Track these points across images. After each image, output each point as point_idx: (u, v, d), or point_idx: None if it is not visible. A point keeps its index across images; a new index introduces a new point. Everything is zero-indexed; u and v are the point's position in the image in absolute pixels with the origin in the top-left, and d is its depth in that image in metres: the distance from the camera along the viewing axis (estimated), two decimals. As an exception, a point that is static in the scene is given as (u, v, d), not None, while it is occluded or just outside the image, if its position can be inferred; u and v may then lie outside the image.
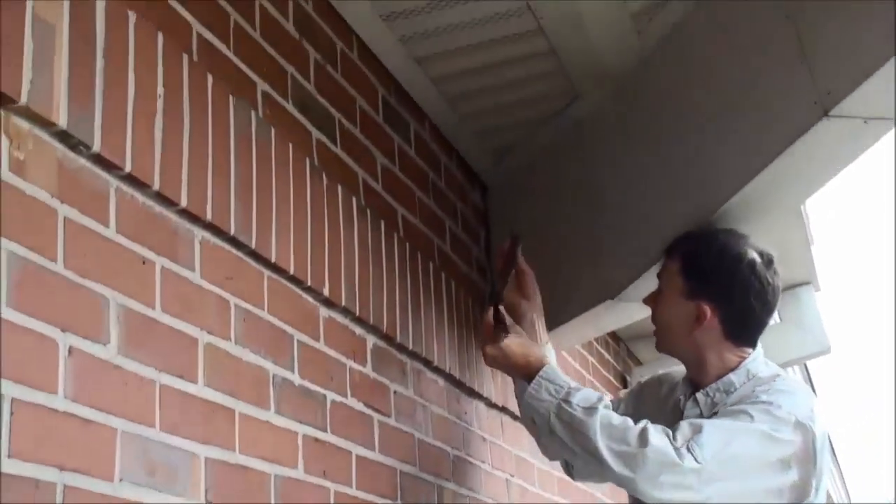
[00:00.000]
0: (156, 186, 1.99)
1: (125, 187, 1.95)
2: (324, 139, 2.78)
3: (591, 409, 2.92)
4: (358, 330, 2.80)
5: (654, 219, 3.32)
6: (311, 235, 2.55)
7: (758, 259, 3.02)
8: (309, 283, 2.51)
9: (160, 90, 2.05)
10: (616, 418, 2.91)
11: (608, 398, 3.04)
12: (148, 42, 2.03)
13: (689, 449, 2.81)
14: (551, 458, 3.25)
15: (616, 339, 5.52)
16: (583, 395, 2.97)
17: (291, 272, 2.44)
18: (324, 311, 2.63)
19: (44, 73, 1.74)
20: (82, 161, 1.85)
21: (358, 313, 2.74)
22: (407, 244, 3.13)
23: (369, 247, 2.88)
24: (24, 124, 1.72)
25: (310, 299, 2.57)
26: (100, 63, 1.89)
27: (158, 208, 2.04)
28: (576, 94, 3.64)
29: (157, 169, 2.01)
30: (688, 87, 3.29)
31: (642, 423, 2.89)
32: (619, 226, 3.50)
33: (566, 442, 2.95)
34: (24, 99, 1.69)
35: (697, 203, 3.18)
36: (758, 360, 3.06)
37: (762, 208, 3.15)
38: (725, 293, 3.02)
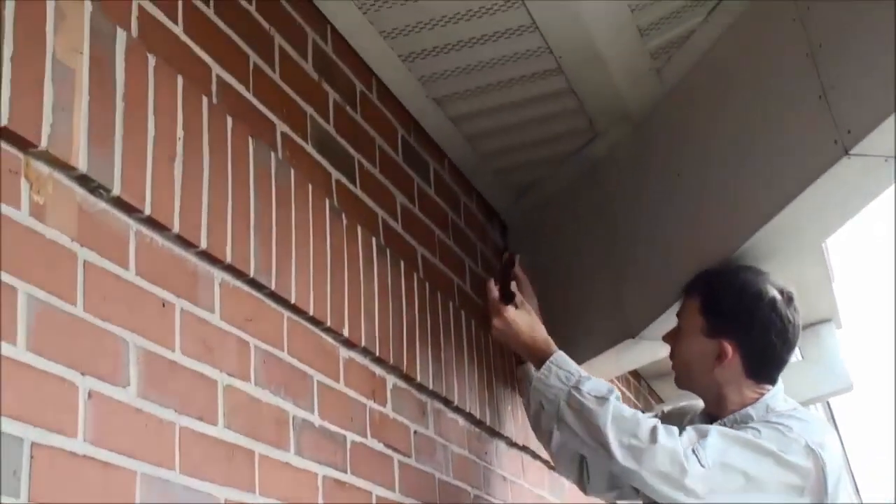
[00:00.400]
0: (175, 229, 2.00)
1: (145, 230, 1.96)
2: (343, 180, 2.79)
3: (602, 399, 2.95)
4: (378, 370, 2.79)
5: (674, 257, 3.32)
6: (330, 276, 2.55)
7: (778, 297, 3.02)
8: (329, 324, 2.51)
9: (180, 133, 2.05)
10: (627, 410, 2.94)
11: (618, 391, 3.05)
12: (168, 85, 2.04)
13: (693, 451, 2.85)
14: (556, 454, 3.23)
15: (637, 378, 5.50)
16: (594, 384, 3.00)
17: (311, 313, 2.44)
18: (344, 352, 2.62)
19: (64, 118, 1.75)
20: (102, 204, 1.85)
21: (378, 353, 2.74)
22: (427, 284, 3.13)
23: (389, 287, 2.87)
24: (44, 168, 1.73)
25: (329, 340, 2.56)
26: (119, 106, 1.89)
27: (178, 250, 2.04)
28: (595, 133, 3.64)
29: (176, 211, 2.01)
30: (707, 126, 3.28)
31: (653, 419, 2.91)
32: (638, 264, 3.49)
33: (575, 430, 2.97)
34: (44, 143, 1.70)
35: (718, 241, 3.17)
36: (777, 396, 3.06)
37: (783, 246, 3.14)
38: (746, 331, 3.02)
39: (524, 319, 3.21)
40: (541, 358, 3.13)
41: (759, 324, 3.02)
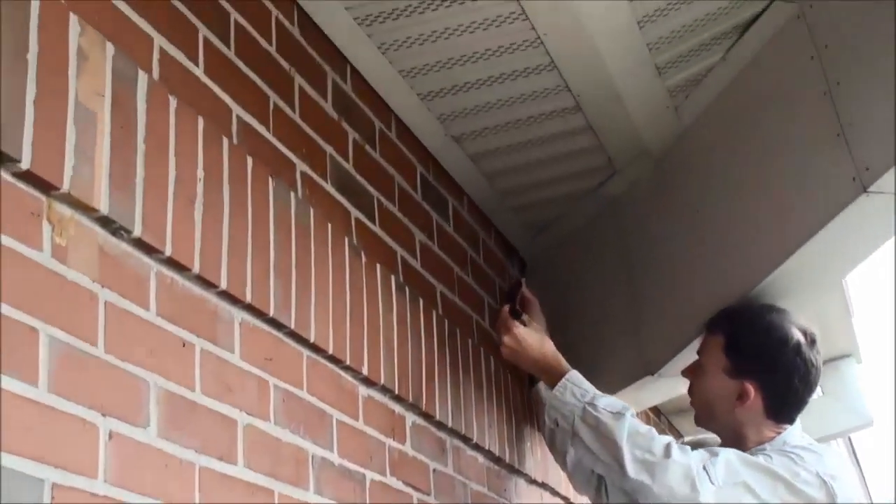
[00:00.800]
0: (196, 269, 2.00)
1: (165, 270, 1.96)
2: (362, 218, 2.79)
3: (618, 415, 2.98)
4: (397, 408, 2.79)
5: (693, 294, 3.31)
6: (349, 314, 2.56)
7: (802, 340, 3.03)
8: (348, 362, 2.51)
9: (200, 174, 2.06)
10: (643, 427, 2.98)
11: (633, 408, 3.08)
12: (188, 127, 2.05)
13: (705, 468, 2.88)
14: (572, 472, 3.24)
15: (657, 413, 5.48)
16: (609, 401, 3.04)
17: (330, 351, 2.44)
18: (363, 390, 2.62)
19: (85, 160, 1.76)
20: (123, 245, 1.86)
21: (397, 391, 2.74)
22: (446, 321, 3.13)
23: (408, 324, 2.88)
24: (65, 210, 1.74)
25: (349, 378, 2.56)
26: (141, 148, 1.90)
27: (198, 290, 2.05)
28: (613, 170, 3.64)
29: (197, 251, 2.01)
30: (725, 163, 3.29)
31: (668, 437, 2.93)
32: (657, 301, 3.49)
33: (589, 447, 3.00)
34: (66, 186, 1.71)
35: (736, 278, 3.17)
36: (794, 433, 3.06)
37: (802, 283, 3.14)
38: (770, 374, 3.03)
39: (533, 336, 3.25)
40: (553, 376, 3.17)
41: (783, 367, 3.02)
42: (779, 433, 3.04)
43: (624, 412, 3.00)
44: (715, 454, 2.93)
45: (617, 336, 3.63)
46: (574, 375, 3.16)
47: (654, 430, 3.00)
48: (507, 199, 3.73)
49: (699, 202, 3.37)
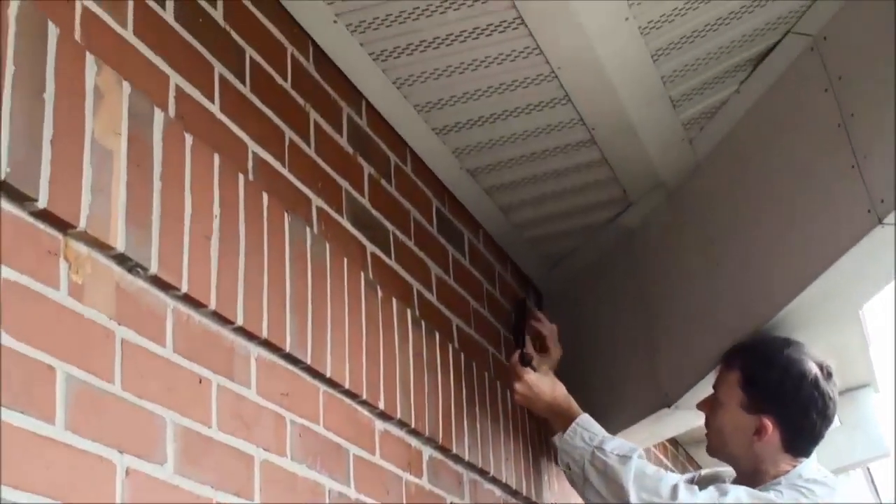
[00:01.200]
0: (212, 305, 2.00)
1: (182, 307, 1.96)
2: (378, 252, 2.79)
3: (625, 458, 2.99)
4: (413, 442, 2.78)
5: (710, 326, 3.31)
6: (366, 349, 2.55)
7: (819, 373, 3.02)
8: (364, 397, 2.51)
9: (216, 210, 2.07)
10: (650, 468, 2.98)
11: (641, 449, 3.08)
12: (204, 163, 2.06)
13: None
14: None
15: (675, 445, 5.46)
16: (617, 443, 3.04)
17: (346, 386, 2.44)
18: (379, 424, 2.62)
19: (102, 198, 1.76)
20: (140, 283, 1.86)
21: (413, 425, 2.73)
22: (462, 354, 3.12)
23: (424, 358, 2.87)
24: (82, 248, 1.74)
25: (365, 412, 2.56)
26: (157, 186, 1.91)
27: (215, 327, 2.05)
28: (628, 202, 3.64)
29: (213, 288, 2.01)
30: (740, 195, 3.29)
31: (675, 477, 2.93)
32: (674, 333, 3.48)
33: (599, 490, 3.01)
34: (82, 224, 1.71)
35: (752, 311, 3.17)
36: (810, 465, 3.06)
37: (819, 314, 3.13)
38: (787, 409, 3.02)
39: (544, 382, 3.27)
40: (565, 419, 3.19)
41: (801, 402, 3.02)
42: (794, 466, 3.04)
43: (631, 454, 3.00)
44: (725, 492, 2.93)
45: (633, 368, 3.62)
46: (584, 419, 3.17)
47: (662, 471, 3.00)
48: (523, 232, 3.73)
49: (715, 234, 3.36)
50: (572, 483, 3.19)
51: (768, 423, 3.03)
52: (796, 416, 3.03)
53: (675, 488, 2.92)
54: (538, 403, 3.26)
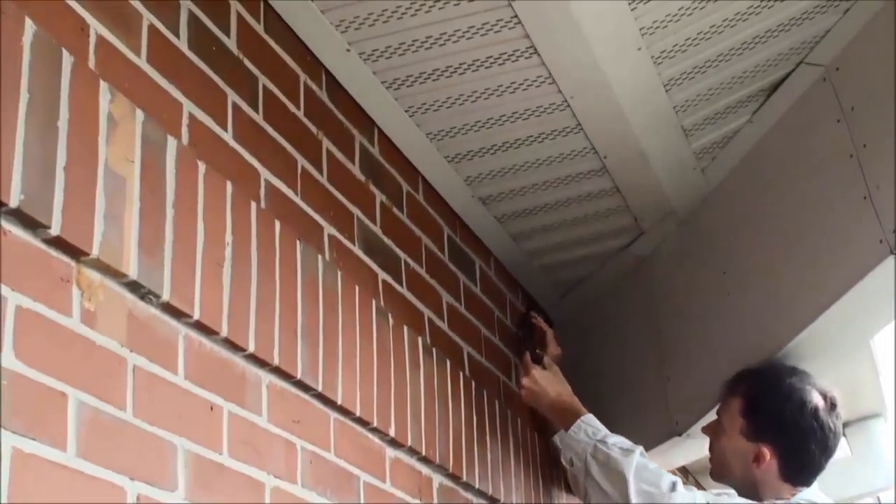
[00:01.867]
0: (224, 333, 2.00)
1: (194, 334, 1.96)
2: (389, 280, 2.79)
3: (628, 451, 3.04)
4: (424, 469, 2.77)
5: (721, 355, 3.30)
6: (377, 376, 2.55)
7: (821, 404, 3.02)
8: (375, 424, 2.50)
9: (229, 238, 2.07)
10: (651, 464, 3.04)
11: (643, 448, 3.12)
12: (217, 191, 2.06)
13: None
14: None
15: (685, 473, 5.44)
16: (620, 439, 3.10)
17: (357, 413, 2.43)
18: (390, 452, 2.61)
19: (115, 225, 1.77)
20: (152, 310, 1.86)
21: (424, 453, 2.72)
22: (473, 382, 3.12)
23: (435, 386, 2.87)
24: (95, 275, 1.74)
25: (376, 440, 2.55)
26: (169, 213, 1.91)
27: (226, 354, 2.05)
28: (640, 231, 3.64)
29: (225, 315, 2.01)
30: (752, 224, 3.28)
31: (675, 477, 2.98)
32: (685, 361, 3.48)
33: (599, 483, 3.04)
34: (95, 251, 1.71)
35: (764, 340, 3.16)
36: (809, 495, 3.05)
37: (829, 344, 3.12)
38: (786, 438, 3.02)
39: (551, 379, 3.33)
40: (569, 417, 3.23)
41: (799, 432, 3.02)
42: (794, 495, 3.04)
43: (633, 449, 3.05)
44: (719, 496, 3.00)
45: (645, 396, 3.61)
46: (589, 417, 3.22)
47: (662, 469, 3.04)
48: (535, 260, 3.73)
49: (726, 264, 3.36)
50: (573, 481, 3.20)
51: (766, 452, 3.04)
52: (795, 445, 3.03)
53: (674, 483, 2.96)
54: (543, 399, 3.31)
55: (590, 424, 3.17)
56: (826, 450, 3.06)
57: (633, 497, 2.94)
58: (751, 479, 3.07)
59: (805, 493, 3.05)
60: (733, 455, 3.12)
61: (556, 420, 3.33)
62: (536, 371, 3.32)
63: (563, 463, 3.21)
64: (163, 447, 1.83)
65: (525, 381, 3.32)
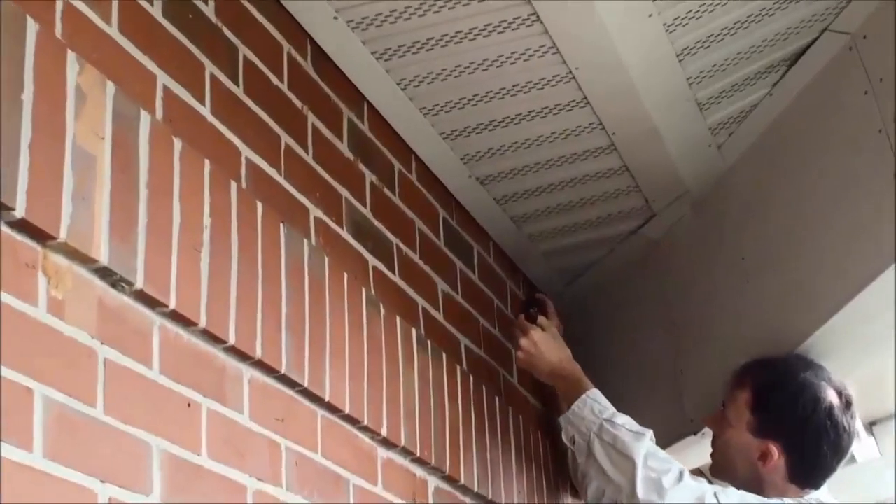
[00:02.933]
0: (202, 323, 2.00)
1: (169, 325, 1.97)
2: (381, 267, 2.80)
3: (638, 434, 3.02)
4: (419, 471, 2.78)
5: (739, 348, 3.30)
6: (367, 371, 2.55)
7: (836, 402, 3.02)
8: (365, 423, 2.51)
9: (207, 221, 2.07)
10: (661, 452, 3.04)
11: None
12: (194, 170, 2.06)
13: (716, 495, 2.92)
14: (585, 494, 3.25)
15: (699, 472, 5.45)
16: (628, 419, 3.04)
17: (346, 411, 2.44)
18: (382, 452, 2.62)
19: (84, 207, 1.77)
20: (124, 298, 1.87)
21: (418, 453, 2.73)
22: (471, 377, 3.13)
23: (430, 381, 2.87)
24: (62, 261, 1.74)
25: (366, 439, 2.56)
26: (143, 194, 1.91)
27: (205, 346, 2.05)
28: (651, 213, 3.64)
29: (203, 304, 2.02)
30: (772, 206, 3.28)
31: (683, 467, 2.99)
32: (699, 355, 3.49)
33: (602, 465, 3.02)
34: (63, 235, 1.71)
35: (784, 331, 3.17)
36: (818, 496, 3.06)
37: (852, 338, 3.13)
38: (797, 437, 3.03)
39: (550, 341, 3.31)
40: (572, 386, 3.21)
41: (812, 431, 3.02)
42: (801, 497, 3.04)
43: (644, 433, 3.03)
44: (726, 488, 3.02)
45: (656, 392, 3.62)
46: (595, 392, 3.18)
47: (671, 457, 3.04)
48: (537, 245, 3.74)
49: (744, 248, 3.36)
50: (572, 462, 3.19)
51: (774, 450, 3.04)
52: (805, 445, 3.04)
53: (682, 472, 2.96)
54: (541, 364, 3.30)
55: (596, 401, 3.14)
56: (838, 451, 3.06)
57: (640, 484, 2.93)
58: (755, 477, 3.07)
59: (814, 495, 3.06)
60: (738, 451, 3.13)
61: (556, 387, 3.31)
62: (536, 332, 3.30)
63: (564, 440, 3.19)
64: (136, 447, 1.84)
65: (524, 342, 3.30)
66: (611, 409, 3.13)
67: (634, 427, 3.07)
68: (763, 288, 3.28)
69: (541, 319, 3.39)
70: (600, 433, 3.07)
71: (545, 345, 3.29)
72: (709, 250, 3.53)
